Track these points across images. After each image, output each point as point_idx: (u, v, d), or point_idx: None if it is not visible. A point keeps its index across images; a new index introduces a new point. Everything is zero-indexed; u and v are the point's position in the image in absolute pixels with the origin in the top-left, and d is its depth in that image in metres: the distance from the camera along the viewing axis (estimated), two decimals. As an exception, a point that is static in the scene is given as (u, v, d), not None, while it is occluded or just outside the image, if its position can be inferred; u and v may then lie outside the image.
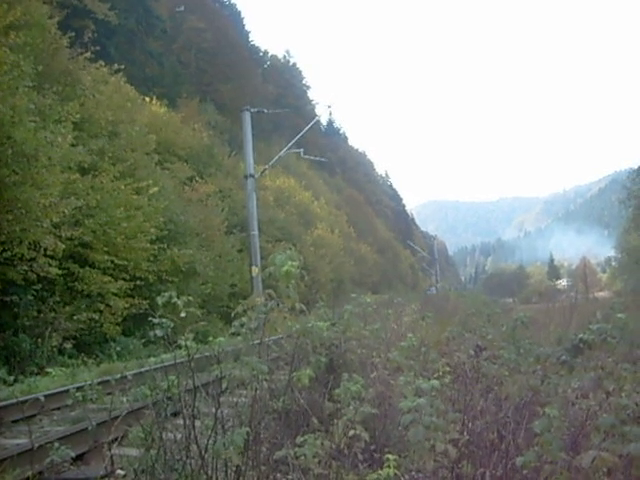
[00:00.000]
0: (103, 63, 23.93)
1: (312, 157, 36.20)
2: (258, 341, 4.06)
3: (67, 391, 7.90)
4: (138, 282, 18.03)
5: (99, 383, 4.83)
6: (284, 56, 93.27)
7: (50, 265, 14.27)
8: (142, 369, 9.05)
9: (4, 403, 8.77)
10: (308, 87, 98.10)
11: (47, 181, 13.69)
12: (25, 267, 13.68)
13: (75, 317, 15.40)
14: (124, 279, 17.46)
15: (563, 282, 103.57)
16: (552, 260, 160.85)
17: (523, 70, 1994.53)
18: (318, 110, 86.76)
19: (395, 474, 3.43)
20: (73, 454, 4.56)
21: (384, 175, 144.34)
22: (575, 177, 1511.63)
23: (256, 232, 22.18)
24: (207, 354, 4.13)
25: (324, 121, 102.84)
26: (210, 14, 59.95)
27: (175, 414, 4.34)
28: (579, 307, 16.26)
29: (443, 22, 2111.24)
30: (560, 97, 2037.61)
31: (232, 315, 4.11)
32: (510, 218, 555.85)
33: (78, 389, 4.59)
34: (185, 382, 4.06)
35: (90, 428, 4.55)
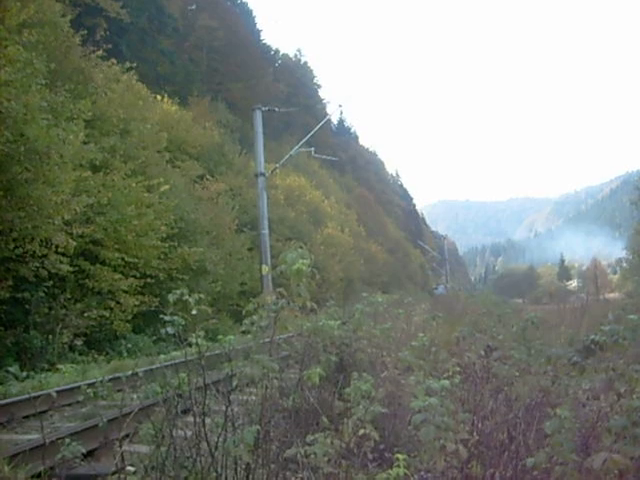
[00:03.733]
0: (115, 61, 24.00)
1: (323, 156, 36.25)
2: (268, 339, 4.07)
3: (78, 387, 7.94)
4: (148, 280, 18.08)
5: (110, 380, 4.84)
6: (295, 55, 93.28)
7: (61, 262, 14.33)
8: (152, 366, 9.08)
9: (16, 399, 8.83)
10: (319, 86, 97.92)
11: (59, 178, 13.74)
12: (37, 264, 13.74)
13: (86, 314, 15.46)
14: (134, 276, 17.50)
15: (574, 283, 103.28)
16: (562, 261, 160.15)
17: (535, 71, 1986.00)
18: (329, 109, 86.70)
19: (405, 474, 3.43)
20: (84, 450, 4.56)
21: (394, 174, 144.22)
22: (586, 178, 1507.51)
23: (266, 231, 22.26)
24: (217, 352, 4.14)
25: (335, 120, 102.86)
26: (221, 13, 60.01)
27: (185, 411, 4.35)
28: (590, 308, 16.19)
29: (457, 21, 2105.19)
30: (572, 98, 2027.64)
31: (243, 313, 4.12)
32: (521, 218, 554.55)
33: (89, 386, 4.61)
34: (195, 380, 4.07)
35: (101, 424, 4.57)
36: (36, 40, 15.21)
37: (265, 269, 14.19)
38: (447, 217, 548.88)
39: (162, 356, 5.07)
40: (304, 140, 27.14)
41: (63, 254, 14.37)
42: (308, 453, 3.62)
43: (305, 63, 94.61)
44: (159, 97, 33.08)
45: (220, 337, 4.22)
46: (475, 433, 4.22)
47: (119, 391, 6.09)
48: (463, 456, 3.52)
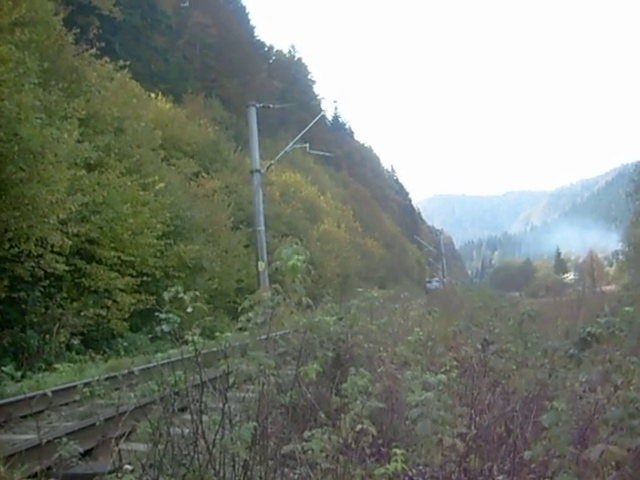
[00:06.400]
0: (108, 59, 23.94)
1: (318, 152, 36.23)
2: (265, 336, 4.06)
3: (75, 387, 7.93)
4: (145, 278, 18.08)
5: (107, 379, 4.85)
6: (289, 51, 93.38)
7: (57, 261, 14.30)
8: (149, 364, 9.07)
9: (12, 399, 8.81)
10: (314, 82, 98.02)
11: (53, 178, 13.70)
12: (32, 264, 13.71)
13: (82, 313, 15.44)
14: (131, 275, 17.49)
15: (570, 276, 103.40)
16: (559, 254, 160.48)
17: (529, 63, 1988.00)
18: (324, 105, 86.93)
19: (403, 468, 3.43)
20: (81, 449, 4.57)
21: (390, 170, 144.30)
22: (582, 170, 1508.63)
23: (262, 227, 22.20)
24: (214, 349, 4.13)
25: (330, 116, 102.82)
26: (215, 9, 59.91)
27: (182, 409, 4.35)
28: (586, 301, 16.19)
29: (450, 15, 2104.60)
30: (567, 90, 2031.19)
31: (239, 310, 4.11)
32: (517, 212, 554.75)
33: (86, 385, 4.61)
34: (192, 377, 4.07)
35: (98, 423, 4.57)
36: (28, 39, 15.16)
37: (261, 266, 14.12)
38: (443, 212, 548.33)
39: (159, 354, 5.06)
40: (299, 136, 27.09)
41: (59, 253, 14.35)
42: (306, 449, 3.62)
43: (299, 59, 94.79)
44: (153, 95, 33.07)
45: (217, 334, 4.21)
46: (473, 427, 4.23)
47: (116, 390, 6.09)
48: (461, 450, 3.53)
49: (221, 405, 3.85)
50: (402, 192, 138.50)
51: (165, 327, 3.68)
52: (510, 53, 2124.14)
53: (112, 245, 17.02)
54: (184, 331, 3.84)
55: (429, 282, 70.57)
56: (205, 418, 3.87)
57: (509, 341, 5.97)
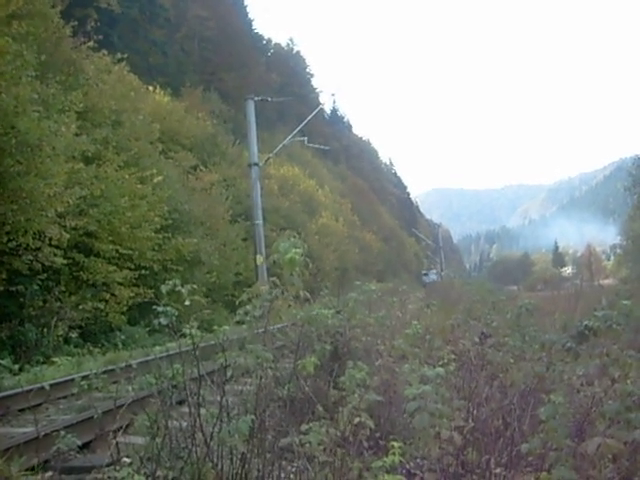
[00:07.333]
0: (106, 52, 23.92)
1: (316, 145, 36.19)
2: (263, 329, 4.06)
3: (73, 380, 7.94)
4: (143, 271, 18.06)
5: (105, 372, 4.84)
6: (288, 44, 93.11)
7: (55, 255, 14.28)
8: (147, 358, 9.07)
9: (10, 392, 8.81)
10: (312, 75, 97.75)
11: (51, 171, 13.68)
12: (30, 257, 13.69)
13: (80, 306, 15.42)
14: (129, 268, 17.48)
15: (568, 270, 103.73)
16: (557, 248, 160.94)
17: (527, 57, 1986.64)
18: (322, 98, 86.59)
19: (400, 461, 3.43)
20: (79, 442, 4.56)
21: (388, 163, 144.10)
22: (580, 164, 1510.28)
23: (260, 221, 22.22)
24: (212, 342, 4.13)
25: (328, 109, 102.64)
26: (213, 2, 59.71)
27: (180, 402, 4.34)
28: (584, 294, 16.22)
29: (449, 8, 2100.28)
30: (566, 84, 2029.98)
31: (237, 303, 4.11)
32: (515, 206, 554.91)
33: (84, 378, 4.60)
34: (190, 370, 4.07)
35: (96, 417, 4.56)
36: (26, 32, 15.10)
37: (259, 259, 14.13)
38: (441, 205, 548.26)
39: (157, 347, 5.06)
40: (297, 129, 27.11)
41: (57, 246, 14.33)
42: (303, 442, 3.62)
43: (298, 52, 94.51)
44: (151, 88, 32.99)
45: (215, 327, 4.21)
46: (470, 420, 4.23)
47: (114, 383, 6.09)
48: (458, 443, 3.53)
49: (219, 398, 3.85)
50: (400, 185, 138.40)
51: (163, 320, 3.67)
52: (509, 47, 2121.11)
53: (110, 238, 17.00)
54: (182, 324, 3.83)
55: (426, 274, 69.00)
56: (203, 411, 3.87)
57: (507, 334, 5.99)
